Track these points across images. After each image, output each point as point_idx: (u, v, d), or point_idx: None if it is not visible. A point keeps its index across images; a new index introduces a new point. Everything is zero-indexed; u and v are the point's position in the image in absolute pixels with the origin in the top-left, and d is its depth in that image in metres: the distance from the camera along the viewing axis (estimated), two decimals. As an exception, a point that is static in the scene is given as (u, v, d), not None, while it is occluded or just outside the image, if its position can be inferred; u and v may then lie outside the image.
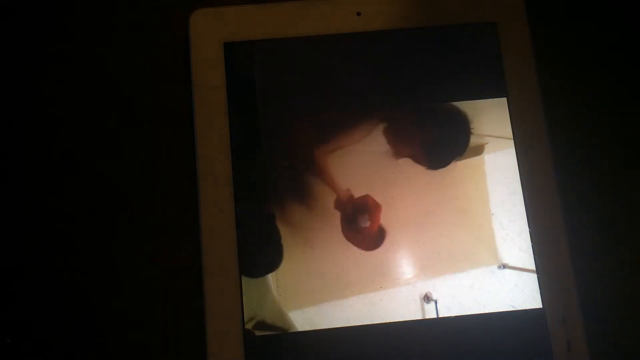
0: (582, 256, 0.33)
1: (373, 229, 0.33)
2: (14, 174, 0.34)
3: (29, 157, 0.35)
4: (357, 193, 0.33)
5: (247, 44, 0.35)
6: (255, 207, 0.33)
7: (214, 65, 0.34)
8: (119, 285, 0.33)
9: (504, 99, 0.34)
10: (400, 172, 0.33)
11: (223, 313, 0.32)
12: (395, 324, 0.32)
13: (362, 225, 0.33)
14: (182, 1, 0.36)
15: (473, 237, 0.33)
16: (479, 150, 0.34)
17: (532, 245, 0.33)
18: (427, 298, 0.32)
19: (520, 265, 0.33)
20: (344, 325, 0.32)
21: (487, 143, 0.34)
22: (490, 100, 0.34)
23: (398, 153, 0.34)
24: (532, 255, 0.33)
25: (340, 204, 0.33)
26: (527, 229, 0.33)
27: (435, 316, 0.32)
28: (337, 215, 0.33)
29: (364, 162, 0.34)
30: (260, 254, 0.32)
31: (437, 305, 0.32)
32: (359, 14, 0.35)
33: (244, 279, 0.32)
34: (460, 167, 0.34)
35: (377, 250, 0.32)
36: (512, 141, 0.34)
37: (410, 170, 0.33)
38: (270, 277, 0.32)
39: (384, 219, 0.33)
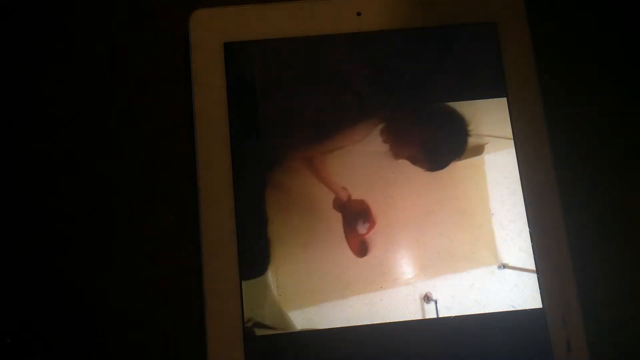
0: (582, 256, 0.33)
1: (368, 236, 0.33)
2: (14, 174, 0.34)
3: (29, 157, 0.35)
4: (356, 193, 0.33)
5: (247, 44, 0.35)
6: (255, 207, 0.33)
7: (214, 65, 0.34)
8: (119, 285, 0.33)
9: (504, 99, 0.34)
10: (400, 172, 0.33)
11: (223, 313, 0.32)
12: (395, 324, 0.32)
13: (360, 232, 0.33)
14: (182, 1, 0.36)
15: (473, 237, 0.33)
16: (479, 150, 0.34)
17: (532, 245, 0.33)
18: (427, 298, 0.32)
19: (520, 265, 0.33)
20: (344, 325, 0.32)
21: (487, 143, 0.34)
22: (490, 100, 0.34)
23: (398, 153, 0.34)
24: (532, 255, 0.33)
25: (339, 205, 0.33)
26: (527, 229, 0.33)
27: (435, 316, 0.32)
28: (336, 215, 0.33)
29: (363, 163, 0.34)
30: (261, 254, 0.32)
31: (437, 305, 0.32)
32: (359, 14, 0.35)
33: (244, 279, 0.32)
34: (460, 167, 0.34)
35: (376, 251, 0.32)
36: (512, 141, 0.34)
37: (410, 171, 0.33)
38: (270, 277, 0.32)
39: (380, 223, 0.33)
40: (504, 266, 0.33)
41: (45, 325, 0.33)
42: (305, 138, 0.34)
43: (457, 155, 0.34)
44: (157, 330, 0.33)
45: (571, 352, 0.31)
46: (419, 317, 0.32)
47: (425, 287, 0.32)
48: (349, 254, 0.32)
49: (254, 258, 0.32)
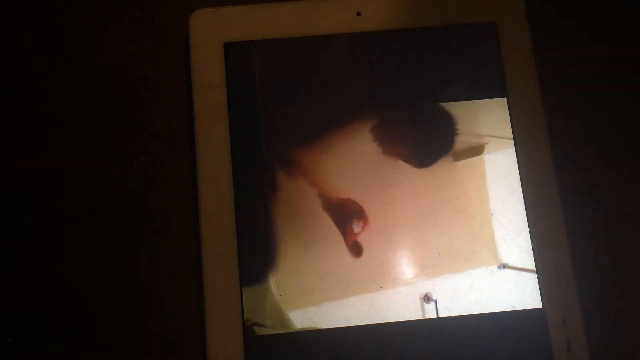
0: (582, 256, 0.33)
1: (362, 236, 0.33)
2: (14, 174, 0.34)
3: (29, 157, 0.35)
4: (357, 193, 0.33)
5: (247, 44, 0.35)
6: (255, 207, 0.33)
7: (214, 65, 0.34)
8: (119, 285, 0.33)
9: (504, 99, 0.34)
10: (401, 172, 0.33)
11: (223, 313, 0.32)
12: (395, 324, 0.32)
13: (354, 231, 0.33)
14: (182, 1, 0.36)
15: (473, 237, 0.33)
16: (478, 150, 0.34)
17: (532, 245, 0.33)
18: (427, 298, 0.32)
19: (520, 265, 0.33)
20: (344, 325, 0.32)
21: (487, 143, 0.34)
22: (490, 100, 0.34)
23: (398, 153, 0.34)
24: (532, 255, 0.33)
25: (327, 205, 0.33)
26: (527, 229, 0.33)
27: (435, 316, 0.32)
28: (327, 215, 0.33)
29: (364, 162, 0.34)
30: (261, 253, 0.32)
31: (437, 305, 0.32)
32: (359, 14, 0.35)
33: (244, 279, 0.32)
34: (460, 167, 0.34)
35: (372, 251, 0.32)
36: (512, 141, 0.34)
37: (410, 170, 0.33)
38: (270, 276, 0.32)
39: (380, 223, 0.33)
40: (504, 266, 0.33)
41: (45, 325, 0.33)
42: (305, 138, 0.34)
43: (445, 151, 0.33)
44: (157, 330, 0.33)
45: (571, 352, 0.31)
46: (419, 317, 0.32)
47: (425, 287, 0.32)
48: (349, 253, 0.32)
49: (254, 258, 0.32)
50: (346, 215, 0.33)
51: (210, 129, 0.33)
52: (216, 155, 0.33)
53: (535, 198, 0.33)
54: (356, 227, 0.33)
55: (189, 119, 0.34)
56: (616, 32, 0.37)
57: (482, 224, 0.33)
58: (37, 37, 0.36)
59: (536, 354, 0.31)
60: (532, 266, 0.32)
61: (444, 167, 0.34)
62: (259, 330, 0.31)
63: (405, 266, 0.32)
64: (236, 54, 0.34)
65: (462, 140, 0.34)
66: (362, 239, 0.33)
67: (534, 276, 0.32)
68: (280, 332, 0.32)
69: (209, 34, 0.34)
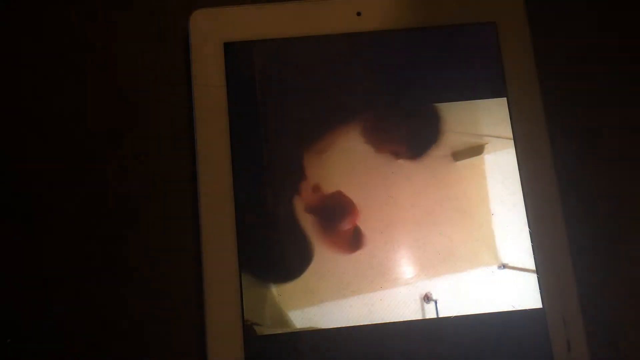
0: (582, 256, 0.33)
1: (350, 231, 0.33)
2: (14, 174, 0.34)
3: (29, 157, 0.35)
4: (357, 193, 0.33)
5: (247, 44, 0.35)
6: (255, 207, 0.33)
7: (214, 65, 0.34)
8: (118, 285, 0.33)
9: (504, 99, 0.34)
10: (401, 171, 0.33)
11: (223, 313, 0.32)
12: (395, 324, 0.32)
13: (345, 228, 0.33)
14: (182, 1, 0.36)
15: (473, 237, 0.33)
16: (479, 150, 0.34)
17: (532, 245, 0.33)
18: (427, 298, 0.32)
19: (520, 265, 0.33)
20: (344, 325, 0.32)
21: (487, 143, 0.34)
22: (490, 100, 0.34)
23: (398, 153, 0.34)
24: (532, 255, 0.33)
25: (309, 206, 0.33)
26: (527, 229, 0.33)
27: (435, 316, 0.32)
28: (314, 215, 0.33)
29: (364, 162, 0.34)
30: (261, 254, 0.32)
31: (437, 305, 0.32)
32: (359, 14, 0.35)
33: (244, 279, 0.32)
34: (460, 167, 0.34)
35: (377, 250, 0.32)
36: (512, 141, 0.34)
37: (410, 170, 0.33)
38: (270, 277, 0.32)
39: (380, 223, 0.33)
40: (504, 266, 0.33)
41: (45, 325, 0.33)
42: (305, 138, 0.34)
43: (433, 140, 0.33)
44: (157, 330, 0.33)
45: (571, 352, 0.31)
46: (419, 317, 0.32)
47: (425, 287, 0.32)
48: (349, 253, 0.32)
49: (254, 258, 0.32)
50: (339, 212, 0.33)
51: (210, 129, 0.33)
52: (216, 155, 0.33)
53: (535, 198, 0.33)
54: (347, 224, 0.33)
55: (189, 119, 0.34)
56: (616, 32, 0.37)
57: (482, 224, 0.33)
58: (37, 37, 0.36)
59: (536, 354, 0.31)
60: (532, 266, 0.32)
61: (444, 167, 0.34)
62: (259, 330, 0.31)
63: (405, 266, 0.32)
64: (236, 54, 0.34)
65: (462, 140, 0.34)
66: (359, 235, 0.33)
67: (534, 276, 0.32)
68: (280, 332, 0.32)
69: (209, 34, 0.34)
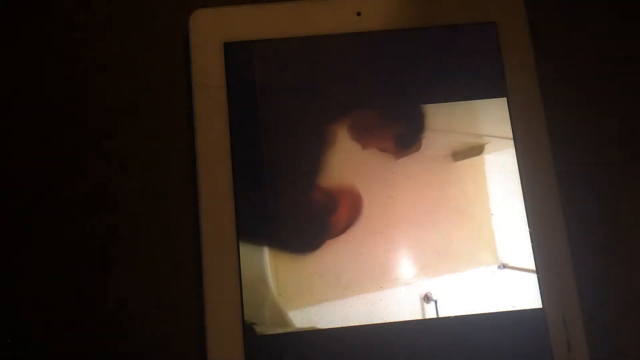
0: (582, 256, 0.33)
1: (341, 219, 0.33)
2: (14, 174, 0.34)
3: (29, 157, 0.35)
4: (357, 192, 0.33)
5: (247, 44, 0.35)
6: (255, 207, 0.33)
7: (214, 65, 0.34)
8: (118, 285, 0.33)
9: (504, 99, 0.34)
10: (401, 172, 0.33)
11: (223, 313, 0.32)
12: (395, 324, 0.32)
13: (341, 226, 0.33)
14: (182, 1, 0.36)
15: (473, 237, 0.33)
16: (479, 150, 0.34)
17: (532, 245, 0.33)
18: (427, 298, 0.32)
19: (520, 265, 0.33)
20: (344, 325, 0.32)
21: (487, 143, 0.34)
22: (490, 100, 0.34)
23: (399, 153, 0.34)
24: (532, 255, 0.33)
25: (329, 203, 0.33)
26: (527, 229, 0.33)
27: (435, 316, 0.32)
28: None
29: (363, 162, 0.34)
30: (261, 254, 0.32)
31: (437, 305, 0.32)
32: (359, 14, 0.35)
33: (244, 279, 0.32)
34: (460, 167, 0.34)
35: (377, 250, 0.32)
36: (512, 141, 0.34)
37: (410, 170, 0.33)
38: (270, 277, 0.32)
39: (380, 223, 0.33)
40: (504, 266, 0.33)
41: (45, 325, 0.33)
42: (305, 137, 0.34)
43: (433, 142, 0.33)
44: (157, 330, 0.33)
45: (571, 352, 0.31)
46: (419, 317, 0.32)
47: (425, 287, 0.32)
48: (349, 253, 0.32)
49: (255, 258, 0.32)
50: (334, 209, 0.33)
51: (210, 129, 0.33)
52: (216, 155, 0.33)
53: (535, 198, 0.33)
54: (340, 222, 0.33)
55: (189, 119, 0.34)
56: (616, 32, 0.37)
57: (482, 224, 0.33)
58: (37, 37, 0.36)
59: (536, 354, 0.31)
60: (532, 266, 0.32)
61: (444, 167, 0.34)
62: (259, 330, 0.31)
63: (405, 266, 0.32)
64: (236, 54, 0.34)
65: (462, 140, 0.34)
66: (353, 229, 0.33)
67: (534, 276, 0.32)
68: (280, 332, 0.32)
69: (209, 34, 0.34)
